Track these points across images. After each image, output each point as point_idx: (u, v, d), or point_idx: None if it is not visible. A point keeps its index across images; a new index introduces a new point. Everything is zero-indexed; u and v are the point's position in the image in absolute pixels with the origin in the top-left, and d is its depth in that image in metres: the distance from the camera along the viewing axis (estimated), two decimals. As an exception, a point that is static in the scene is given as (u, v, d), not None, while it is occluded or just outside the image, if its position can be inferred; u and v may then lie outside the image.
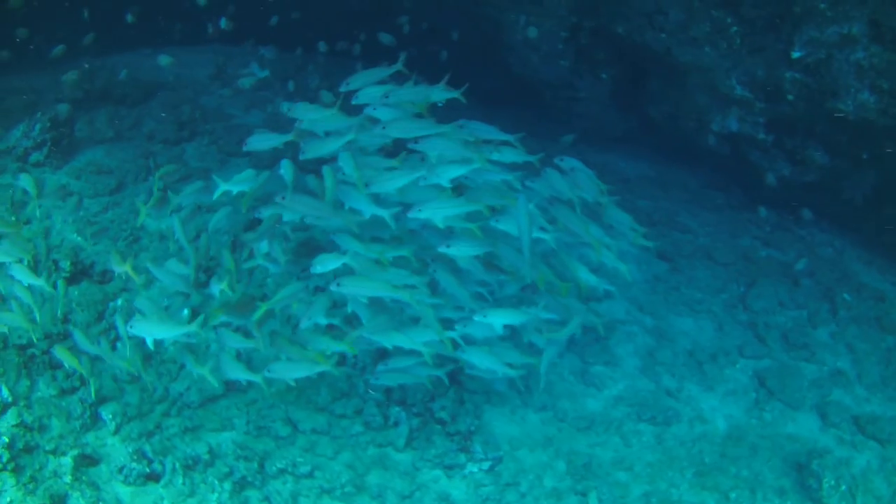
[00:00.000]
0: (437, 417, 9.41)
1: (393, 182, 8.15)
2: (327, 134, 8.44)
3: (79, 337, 8.79)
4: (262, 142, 8.70)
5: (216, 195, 8.81)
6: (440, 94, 8.59)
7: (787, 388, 10.25)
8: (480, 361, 8.57)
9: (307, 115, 8.40)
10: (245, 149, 8.75)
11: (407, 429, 9.31)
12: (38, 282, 8.71)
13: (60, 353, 8.69)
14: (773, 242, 12.28)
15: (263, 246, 8.98)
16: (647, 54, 12.46)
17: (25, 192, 10.75)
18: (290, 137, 8.57)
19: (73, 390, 9.24)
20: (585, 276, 9.03)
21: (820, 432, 9.89)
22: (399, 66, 8.66)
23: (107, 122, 12.40)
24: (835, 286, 11.66)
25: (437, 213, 8.08)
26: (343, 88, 8.47)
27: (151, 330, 8.23)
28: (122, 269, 9.04)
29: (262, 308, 8.34)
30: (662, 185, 13.12)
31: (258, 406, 9.32)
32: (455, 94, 8.66)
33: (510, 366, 8.60)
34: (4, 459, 8.54)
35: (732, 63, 11.84)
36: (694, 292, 11.30)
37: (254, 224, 10.36)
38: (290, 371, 8.42)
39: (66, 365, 8.77)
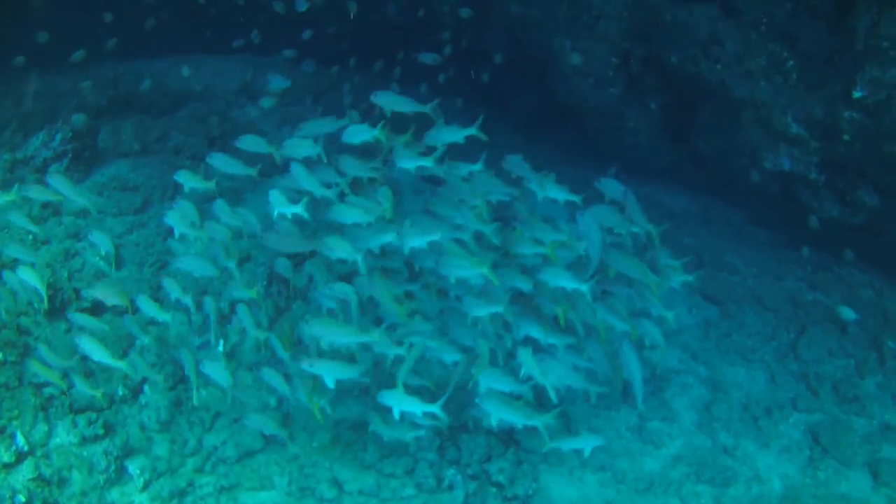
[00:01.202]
0: (494, 481, 8.01)
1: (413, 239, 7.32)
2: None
3: (44, 352, 7.60)
4: (226, 165, 8.24)
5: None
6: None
7: (839, 444, 9.21)
8: (497, 411, 7.32)
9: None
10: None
11: (462, 493, 7.94)
12: None
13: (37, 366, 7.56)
14: (817, 285, 11.05)
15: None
16: (700, 85, 11.09)
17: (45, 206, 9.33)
18: (252, 172, 8.24)
19: (96, 438, 7.78)
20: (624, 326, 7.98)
21: (872, 492, 8.85)
22: (346, 120, 8.05)
23: (132, 133, 10.79)
24: (881, 333, 10.45)
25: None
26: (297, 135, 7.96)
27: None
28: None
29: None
30: (706, 221, 11.78)
31: (300, 462, 7.92)
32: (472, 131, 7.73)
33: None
34: (20, 521, 7.08)
35: (789, 100, 10.55)
36: (745, 339, 10.13)
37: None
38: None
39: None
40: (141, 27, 11.68)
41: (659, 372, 9.42)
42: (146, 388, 8.12)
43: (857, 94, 9.95)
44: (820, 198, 10.90)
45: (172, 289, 7.89)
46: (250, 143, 8.29)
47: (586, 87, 11.87)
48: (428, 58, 11.71)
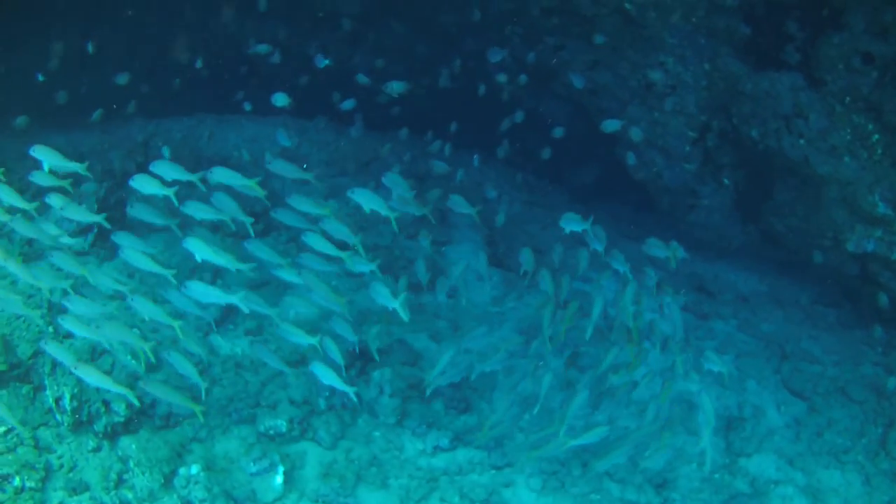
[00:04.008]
0: None
1: None
2: None
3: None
4: None
5: None
6: None
7: (935, 555, 7.62)
8: None
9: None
10: None
11: None
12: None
13: None
14: (893, 368, 9.26)
15: None
16: (780, 161, 9.27)
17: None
18: None
19: None
20: None
21: None
22: None
23: (165, 204, 8.68)
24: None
25: None
26: None
27: None
28: None
29: None
30: (778, 302, 9.97)
31: None
32: None
33: None
34: None
35: (875, 177, 8.80)
36: (836, 437, 8.49)
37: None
38: None
39: None
40: (174, 86, 9.73)
41: (758, 485, 7.70)
42: (196, 528, 6.18)
43: (950, 175, 8.32)
44: (900, 280, 9.18)
45: None
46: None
47: (660, 162, 9.98)
48: (519, 116, 10.24)
